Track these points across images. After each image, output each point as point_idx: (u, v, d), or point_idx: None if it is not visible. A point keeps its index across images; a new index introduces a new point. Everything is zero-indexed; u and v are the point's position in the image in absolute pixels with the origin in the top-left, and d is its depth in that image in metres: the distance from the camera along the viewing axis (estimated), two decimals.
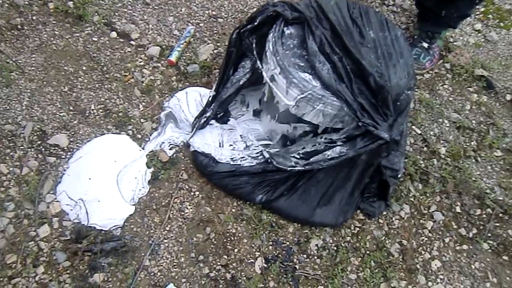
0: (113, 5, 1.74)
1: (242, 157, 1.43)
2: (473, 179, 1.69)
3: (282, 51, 1.18)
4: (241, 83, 1.41)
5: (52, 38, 1.62)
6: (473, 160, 1.76)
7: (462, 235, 1.52)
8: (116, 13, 1.72)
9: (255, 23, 1.26)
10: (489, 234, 1.57)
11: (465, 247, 1.49)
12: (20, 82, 1.50)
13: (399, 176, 1.48)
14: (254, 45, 1.29)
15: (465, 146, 1.79)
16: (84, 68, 1.58)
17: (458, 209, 1.60)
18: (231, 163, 1.41)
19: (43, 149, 1.39)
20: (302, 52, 1.19)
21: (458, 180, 1.66)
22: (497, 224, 1.61)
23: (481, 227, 1.58)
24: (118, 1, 1.75)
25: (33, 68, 1.55)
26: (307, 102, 1.16)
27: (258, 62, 1.27)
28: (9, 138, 1.38)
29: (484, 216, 1.61)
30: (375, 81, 1.11)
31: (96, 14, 1.70)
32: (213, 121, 1.49)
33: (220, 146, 1.46)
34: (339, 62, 1.15)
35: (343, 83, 1.14)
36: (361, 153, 1.25)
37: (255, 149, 1.45)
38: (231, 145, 1.47)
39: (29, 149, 1.38)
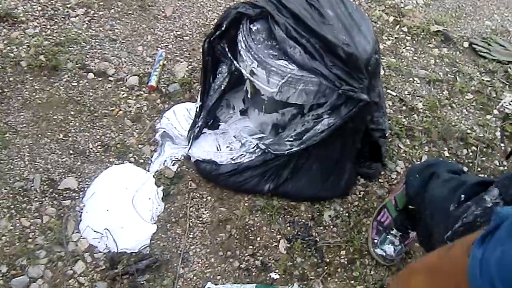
0: (82, 49, 1.82)
1: (240, 155, 1.52)
2: (453, 124, 1.82)
3: (255, 45, 1.28)
4: (222, 88, 1.50)
5: (34, 93, 1.69)
6: (449, 107, 1.90)
7: None
8: (88, 56, 1.80)
9: (223, 29, 1.37)
10: (479, 169, 1.69)
11: None
12: (16, 141, 1.56)
13: (386, 135, 1.59)
14: (227, 49, 1.39)
15: (438, 97, 1.93)
16: (72, 113, 1.65)
17: (446, 153, 1.73)
18: (232, 162, 1.50)
19: (56, 195, 1.45)
20: (272, 42, 1.30)
21: (440, 128, 1.79)
22: (483, 158, 1.74)
23: (471, 164, 1.71)
24: (86, 44, 1.83)
25: (24, 125, 1.61)
26: (288, 85, 1.26)
27: (235, 62, 1.37)
28: (22, 194, 1.44)
29: (471, 153, 1.74)
30: (344, 51, 1.22)
31: (68, 61, 1.78)
32: (205, 130, 1.57)
33: (218, 150, 1.54)
34: (307, 43, 1.26)
35: (315, 60, 1.25)
36: (347, 120, 1.35)
37: (250, 144, 1.55)
38: (227, 146, 1.56)
39: (43, 199, 1.43)
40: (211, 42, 1.40)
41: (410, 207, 1.30)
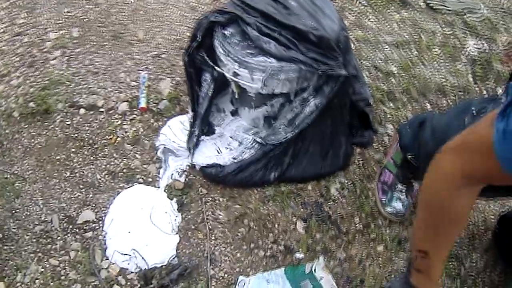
0: (68, 88, 1.87)
1: (241, 153, 1.60)
2: (428, 79, 1.93)
3: (232, 49, 1.37)
4: (210, 94, 1.58)
5: (32, 140, 1.75)
6: (421, 65, 2.01)
7: None
8: (75, 93, 1.86)
9: (198, 39, 1.45)
10: None
11: None
12: (27, 188, 1.62)
13: (371, 103, 1.69)
14: (206, 57, 1.47)
15: (409, 57, 2.03)
16: (73, 150, 1.71)
17: (428, 107, 1.83)
18: (235, 161, 1.58)
19: (77, 230, 1.51)
20: (247, 42, 1.38)
21: (417, 86, 1.90)
22: None
23: None
24: (70, 82, 1.89)
25: (30, 171, 1.66)
26: (271, 78, 1.35)
27: (217, 68, 1.45)
28: (44, 236, 1.50)
29: (450, 102, 1.85)
30: (314, 35, 1.31)
31: (58, 102, 1.83)
32: (203, 137, 1.65)
33: (219, 153, 1.62)
34: (280, 36, 1.35)
35: (291, 49, 1.34)
36: (332, 97, 1.44)
37: (248, 141, 1.63)
38: (227, 148, 1.64)
39: (66, 236, 1.50)
40: (190, 55, 1.48)
41: (409, 156, 1.39)
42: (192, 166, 1.61)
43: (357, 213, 1.51)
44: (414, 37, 2.12)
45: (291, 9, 1.41)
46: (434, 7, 2.26)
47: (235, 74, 1.40)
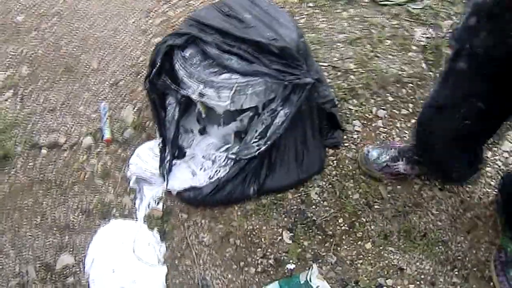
0: (25, 129, 1.79)
1: (216, 171, 1.59)
2: (385, 71, 1.98)
3: (194, 70, 1.35)
4: (176, 118, 1.55)
5: None
6: (376, 58, 2.06)
7: (407, 114, 1.79)
8: (33, 134, 1.78)
9: (158, 65, 1.42)
10: (422, 101, 1.86)
11: (413, 120, 1.76)
12: None
13: (336, 103, 1.71)
14: (169, 82, 1.44)
15: (364, 52, 2.08)
16: (40, 193, 1.63)
17: (390, 98, 1.88)
18: (211, 181, 1.56)
19: (57, 277, 1.44)
20: (209, 61, 1.37)
21: (376, 79, 1.94)
22: (422, 90, 1.91)
23: (413, 100, 1.87)
24: (27, 123, 1.81)
25: None
26: (238, 94, 1.34)
27: (182, 91, 1.42)
28: None
29: (410, 90, 1.91)
30: (275, 47, 1.32)
31: (16, 145, 1.75)
32: (175, 161, 1.62)
33: (194, 175, 1.59)
34: (240, 51, 1.34)
35: (253, 63, 1.34)
36: (300, 105, 1.45)
37: (220, 159, 1.61)
38: (201, 168, 1.61)
39: (46, 286, 1.42)
40: (151, 81, 1.45)
41: None
42: (168, 192, 1.58)
43: (340, 214, 1.53)
44: (365, 32, 2.18)
45: (246, 22, 1.41)
46: (378, 1, 2.33)
47: (201, 95, 1.38)
